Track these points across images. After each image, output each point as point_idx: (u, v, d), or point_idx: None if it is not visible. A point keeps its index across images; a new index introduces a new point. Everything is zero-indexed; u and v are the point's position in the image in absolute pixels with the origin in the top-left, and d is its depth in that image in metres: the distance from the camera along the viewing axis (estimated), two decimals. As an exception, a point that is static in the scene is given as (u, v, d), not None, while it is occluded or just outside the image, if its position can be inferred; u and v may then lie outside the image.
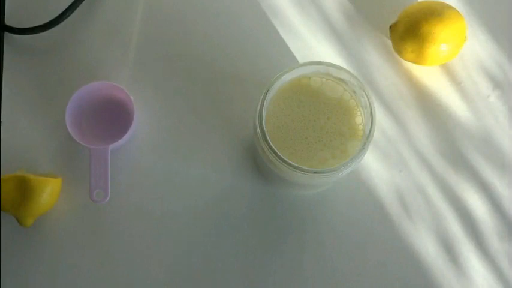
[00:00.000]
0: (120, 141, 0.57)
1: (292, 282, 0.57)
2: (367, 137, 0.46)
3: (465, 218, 0.58)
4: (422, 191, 0.58)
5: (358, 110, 0.49)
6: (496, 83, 0.60)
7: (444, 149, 0.59)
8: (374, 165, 0.58)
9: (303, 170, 0.45)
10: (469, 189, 0.58)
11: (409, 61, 0.59)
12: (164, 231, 0.58)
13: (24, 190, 0.55)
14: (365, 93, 0.47)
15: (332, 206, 0.58)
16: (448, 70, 0.60)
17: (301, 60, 0.60)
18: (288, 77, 0.48)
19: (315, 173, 0.45)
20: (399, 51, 0.58)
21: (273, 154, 0.45)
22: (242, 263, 0.57)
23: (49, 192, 0.56)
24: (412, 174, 0.58)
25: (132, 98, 0.58)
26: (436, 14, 0.56)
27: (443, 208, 0.58)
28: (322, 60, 0.48)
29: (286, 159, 0.45)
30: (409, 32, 0.56)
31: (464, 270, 0.57)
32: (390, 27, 0.58)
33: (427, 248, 0.57)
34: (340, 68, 0.48)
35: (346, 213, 0.58)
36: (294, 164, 0.45)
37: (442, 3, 0.58)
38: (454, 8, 0.57)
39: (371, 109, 0.46)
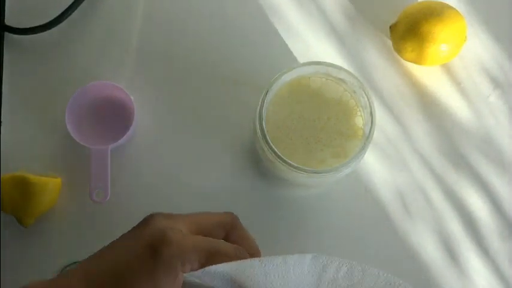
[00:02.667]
0: (120, 141, 0.57)
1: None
2: (367, 137, 0.46)
3: (465, 217, 0.58)
4: (423, 190, 0.58)
5: (358, 110, 0.49)
6: (497, 83, 0.60)
7: (444, 149, 0.59)
8: (374, 165, 0.58)
9: (303, 170, 0.45)
10: (470, 189, 0.58)
11: (409, 61, 0.59)
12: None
13: (24, 190, 0.55)
14: (365, 93, 0.47)
15: (332, 206, 0.58)
16: (448, 70, 0.60)
17: (301, 61, 0.60)
18: (287, 77, 0.48)
19: (314, 173, 0.45)
20: (399, 51, 0.58)
21: (273, 154, 0.45)
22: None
23: (49, 192, 0.56)
24: (412, 174, 0.58)
25: (132, 98, 0.58)
26: (435, 13, 0.56)
27: (444, 208, 0.58)
28: (322, 60, 0.48)
29: (286, 159, 0.45)
30: (409, 32, 0.56)
31: (464, 270, 0.57)
32: (390, 27, 0.58)
33: (427, 247, 0.57)
34: (340, 68, 0.48)
35: (346, 213, 0.58)
36: (294, 164, 0.45)
37: (442, 3, 0.58)
38: (454, 8, 0.57)
39: (371, 109, 0.46)
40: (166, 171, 0.59)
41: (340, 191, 0.58)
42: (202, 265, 0.40)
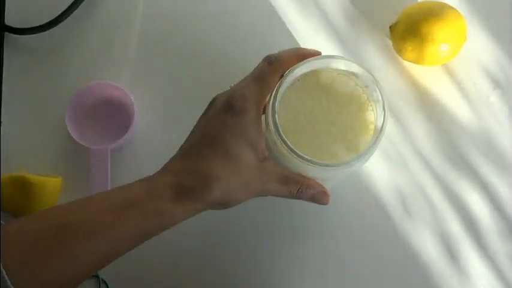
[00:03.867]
0: (120, 141, 0.57)
1: (291, 278, 0.57)
2: (380, 131, 0.46)
3: (465, 217, 0.58)
4: (423, 190, 0.58)
5: (369, 104, 0.49)
6: (497, 83, 0.60)
7: (444, 149, 0.59)
8: (374, 165, 0.58)
9: (316, 163, 0.45)
10: (470, 188, 0.58)
11: (409, 61, 0.59)
12: (165, 231, 0.57)
13: (24, 190, 0.55)
14: (377, 87, 0.46)
15: (332, 206, 0.58)
16: (448, 70, 0.60)
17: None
18: (299, 71, 0.48)
19: (327, 166, 0.45)
20: (399, 51, 0.58)
21: (286, 147, 0.45)
22: (245, 259, 0.57)
23: (49, 192, 0.56)
24: (413, 174, 0.58)
25: (132, 98, 0.58)
26: (435, 13, 0.56)
27: (444, 208, 0.58)
28: (334, 54, 0.48)
29: (300, 153, 0.45)
30: (409, 32, 0.56)
31: (464, 270, 0.57)
32: (390, 27, 0.58)
33: (427, 247, 0.57)
34: (352, 62, 0.47)
35: (346, 213, 0.58)
36: (306, 157, 0.45)
37: (442, 3, 0.58)
38: (454, 8, 0.57)
39: (383, 103, 0.46)
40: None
41: (340, 190, 0.58)
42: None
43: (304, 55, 0.47)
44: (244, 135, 0.43)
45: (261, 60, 0.60)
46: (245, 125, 0.44)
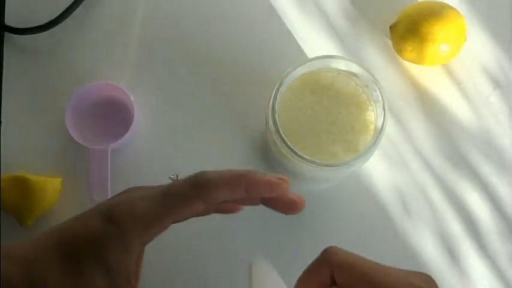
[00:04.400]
0: (120, 141, 0.57)
1: (289, 279, 0.57)
2: (380, 131, 0.46)
3: (465, 217, 0.58)
4: (423, 190, 0.58)
5: (370, 104, 0.49)
6: (497, 83, 0.60)
7: (444, 149, 0.59)
8: (374, 165, 0.58)
9: (316, 163, 0.45)
10: (470, 188, 0.58)
11: (409, 61, 0.59)
12: (168, 230, 0.57)
13: (24, 190, 0.55)
14: (377, 87, 0.47)
15: (332, 206, 0.58)
16: (448, 70, 0.60)
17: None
18: (300, 71, 0.48)
19: (327, 166, 0.45)
20: (399, 51, 0.58)
21: (286, 147, 0.45)
22: (243, 261, 0.57)
23: (49, 192, 0.56)
24: (413, 174, 0.58)
25: (132, 98, 0.58)
26: (435, 13, 0.56)
27: (444, 208, 0.58)
28: (334, 54, 0.48)
29: (300, 153, 0.45)
30: (409, 32, 0.56)
31: (464, 270, 0.57)
32: (390, 27, 0.58)
33: (427, 247, 0.57)
34: (352, 62, 0.47)
35: (346, 213, 0.58)
36: (306, 157, 0.45)
37: (442, 3, 0.58)
38: (454, 8, 0.57)
39: (383, 103, 0.46)
40: (167, 171, 0.58)
41: (340, 190, 0.58)
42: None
43: (238, 179, 0.38)
44: (104, 254, 0.34)
45: (262, 61, 0.61)
46: (111, 243, 0.34)
